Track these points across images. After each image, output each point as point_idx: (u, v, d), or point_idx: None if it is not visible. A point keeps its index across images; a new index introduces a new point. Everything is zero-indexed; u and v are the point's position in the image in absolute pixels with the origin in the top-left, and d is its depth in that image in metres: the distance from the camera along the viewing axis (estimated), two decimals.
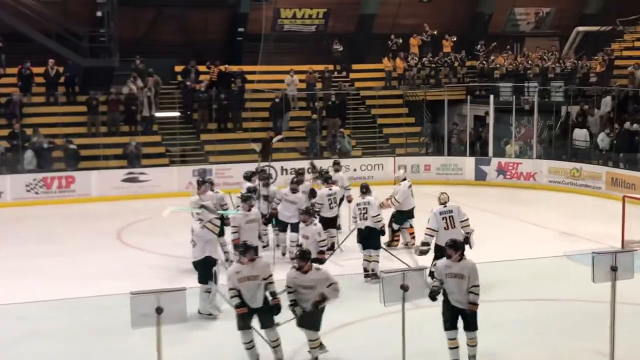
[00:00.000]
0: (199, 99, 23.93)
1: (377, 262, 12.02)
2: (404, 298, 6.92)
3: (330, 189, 13.78)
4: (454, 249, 8.10)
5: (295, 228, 13.16)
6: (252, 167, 15.82)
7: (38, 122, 21.91)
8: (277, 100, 24.34)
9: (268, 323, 8.41)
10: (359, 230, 12.22)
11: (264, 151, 17.14)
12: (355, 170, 22.31)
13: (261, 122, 24.48)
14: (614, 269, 7.50)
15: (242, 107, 24.51)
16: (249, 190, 13.57)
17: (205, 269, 10.08)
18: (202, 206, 10.60)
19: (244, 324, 8.38)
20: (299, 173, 14.75)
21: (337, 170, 15.39)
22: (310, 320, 8.25)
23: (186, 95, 24.13)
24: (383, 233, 12.44)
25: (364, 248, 12.13)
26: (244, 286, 8.33)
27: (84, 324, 9.88)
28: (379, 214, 12.18)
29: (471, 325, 8.12)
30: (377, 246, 12.14)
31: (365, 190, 12.44)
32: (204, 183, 13.21)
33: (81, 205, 19.66)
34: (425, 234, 11.36)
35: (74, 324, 9.93)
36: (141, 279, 11.51)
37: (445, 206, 11.50)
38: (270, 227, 14.00)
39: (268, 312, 8.37)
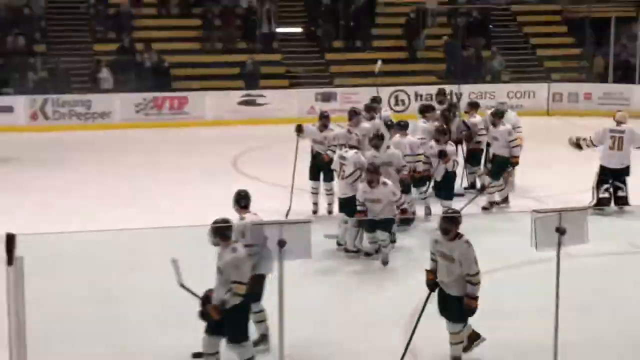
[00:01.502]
0: (324, 13, 23.85)
1: None
2: (559, 243, 6.71)
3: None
4: (450, 222, 7.03)
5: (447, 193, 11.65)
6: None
7: (149, 37, 22.49)
8: (412, 15, 23.94)
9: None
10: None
11: None
12: (500, 98, 21.75)
13: (394, 41, 24.22)
14: None
15: (373, 23, 24.28)
16: (440, 130, 11.77)
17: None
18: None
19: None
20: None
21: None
22: None
23: (310, 8, 24.08)
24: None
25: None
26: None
27: (200, 254, 10.12)
28: None
29: (453, 314, 7.07)
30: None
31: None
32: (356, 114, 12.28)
33: (194, 130, 20.16)
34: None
35: (190, 252, 10.20)
36: (258, 210, 11.65)
37: (619, 125, 11.82)
38: None
39: None
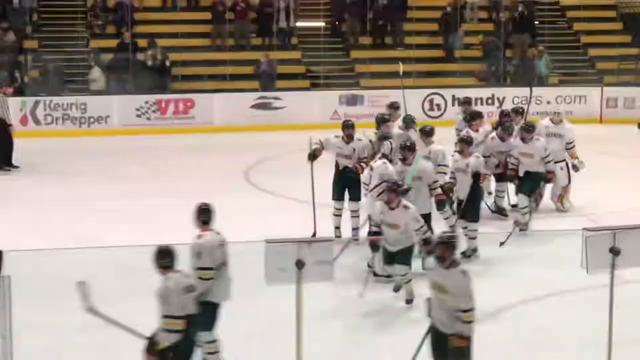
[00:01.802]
0: (350, 6, 23.91)
1: None
2: (613, 264, 6.71)
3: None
4: (446, 248, 6.79)
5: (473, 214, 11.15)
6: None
7: (153, 32, 22.63)
8: (449, 9, 23.97)
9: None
10: None
11: None
12: (549, 102, 21.73)
13: (428, 38, 24.24)
14: None
15: (405, 17, 24.32)
16: (464, 140, 11.38)
17: None
18: None
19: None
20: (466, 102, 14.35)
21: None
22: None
23: (334, 1, 24.15)
24: None
25: None
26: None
27: None
28: None
29: (451, 355, 6.73)
30: None
31: None
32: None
33: (201, 136, 20.18)
34: None
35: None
36: (273, 227, 11.68)
37: None
38: None
39: None
